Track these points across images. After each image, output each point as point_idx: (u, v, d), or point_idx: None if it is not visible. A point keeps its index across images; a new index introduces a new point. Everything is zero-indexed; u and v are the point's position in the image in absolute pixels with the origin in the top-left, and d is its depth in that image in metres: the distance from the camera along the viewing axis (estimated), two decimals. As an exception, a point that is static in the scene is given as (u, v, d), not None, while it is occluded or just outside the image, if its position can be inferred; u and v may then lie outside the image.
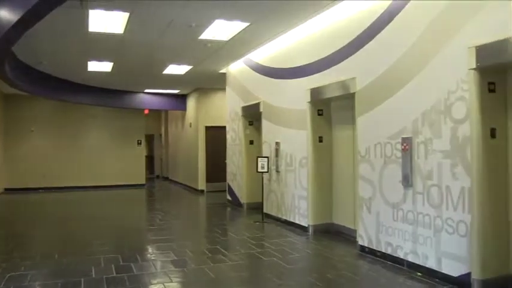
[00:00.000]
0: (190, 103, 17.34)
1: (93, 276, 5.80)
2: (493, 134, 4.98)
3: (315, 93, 8.14)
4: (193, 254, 7.02)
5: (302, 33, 8.50)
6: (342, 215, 8.27)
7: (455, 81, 5.11)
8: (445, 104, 5.26)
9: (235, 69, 12.27)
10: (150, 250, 7.51)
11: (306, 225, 8.52)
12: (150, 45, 9.53)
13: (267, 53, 10.12)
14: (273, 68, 9.88)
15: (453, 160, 5.17)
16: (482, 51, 4.77)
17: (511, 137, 5.06)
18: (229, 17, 7.71)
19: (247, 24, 8.04)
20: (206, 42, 9.28)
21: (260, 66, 10.54)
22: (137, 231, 9.49)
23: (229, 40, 9.16)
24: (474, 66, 4.87)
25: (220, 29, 8.42)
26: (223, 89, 13.58)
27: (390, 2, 6.11)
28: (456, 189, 5.13)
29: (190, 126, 17.17)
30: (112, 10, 7.24)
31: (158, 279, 5.74)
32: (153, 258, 6.91)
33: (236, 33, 8.62)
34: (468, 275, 4.97)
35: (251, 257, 6.82)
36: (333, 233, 8.24)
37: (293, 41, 8.93)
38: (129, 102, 16.99)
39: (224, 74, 13.10)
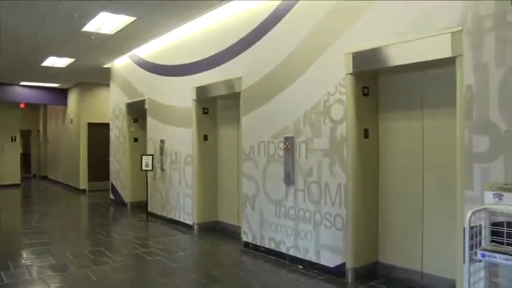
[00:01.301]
0: (72, 98, 16.41)
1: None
2: (366, 134, 5.39)
3: (201, 91, 8.15)
4: (74, 257, 6.62)
5: (189, 30, 8.46)
6: (226, 212, 8.38)
7: (334, 85, 5.43)
8: (324, 105, 5.57)
9: (121, 64, 11.85)
10: (24, 255, 6.92)
11: (191, 224, 8.50)
12: (26, 34, 8.80)
13: (154, 49, 9.91)
14: (160, 64, 9.71)
15: (331, 158, 5.49)
16: (357, 57, 5.14)
17: (381, 137, 5.50)
18: (115, 10, 7.39)
19: (134, 18, 7.79)
20: (90, 34, 8.81)
21: (146, 63, 10.29)
22: (10, 235, 8.64)
23: (115, 34, 8.80)
24: (351, 71, 5.23)
25: (105, 22, 8.05)
26: (108, 85, 13.04)
27: (276, 5, 6.31)
28: (334, 185, 5.46)
29: (72, 122, 16.25)
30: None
31: (34, 286, 5.34)
32: (28, 264, 6.35)
33: (122, 27, 8.30)
34: (343, 264, 5.33)
35: (136, 258, 6.64)
36: (218, 231, 8.32)
37: (180, 38, 8.85)
38: (2, 94, 15.61)
39: (109, 68, 12.59)
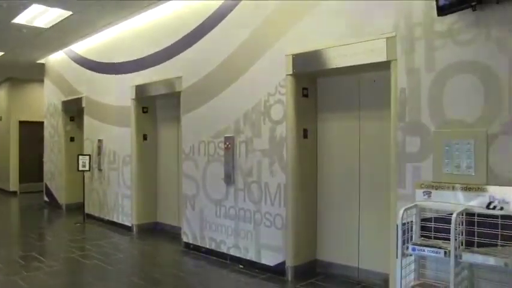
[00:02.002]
0: (1, 94, 15.59)
1: None
2: (305, 134, 5.50)
3: (140, 90, 8.01)
4: (2, 263, 6.27)
5: (129, 27, 8.28)
6: (166, 213, 8.29)
7: (274, 85, 5.50)
8: (265, 105, 5.63)
9: (56, 60, 11.40)
10: None
11: (130, 225, 8.33)
12: None
13: (92, 45, 9.61)
14: (98, 61, 9.44)
15: (271, 158, 5.57)
16: (297, 59, 5.24)
17: (320, 137, 5.64)
18: (49, 3, 7.08)
19: (69, 13, 7.51)
20: (21, 27, 8.35)
21: (83, 59, 9.97)
22: None
23: (50, 28, 8.44)
24: (291, 72, 5.33)
25: (39, 15, 7.68)
26: (42, 81, 12.51)
27: (218, 5, 6.31)
28: (273, 185, 5.53)
29: (1, 120, 15.44)
30: None
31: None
32: (-51, 271, 5.96)
33: (57, 21, 7.98)
34: (283, 263, 5.42)
35: (71, 262, 6.41)
36: (158, 232, 8.20)
37: (119, 35, 8.64)
38: None
39: (43, 64, 12.07)
